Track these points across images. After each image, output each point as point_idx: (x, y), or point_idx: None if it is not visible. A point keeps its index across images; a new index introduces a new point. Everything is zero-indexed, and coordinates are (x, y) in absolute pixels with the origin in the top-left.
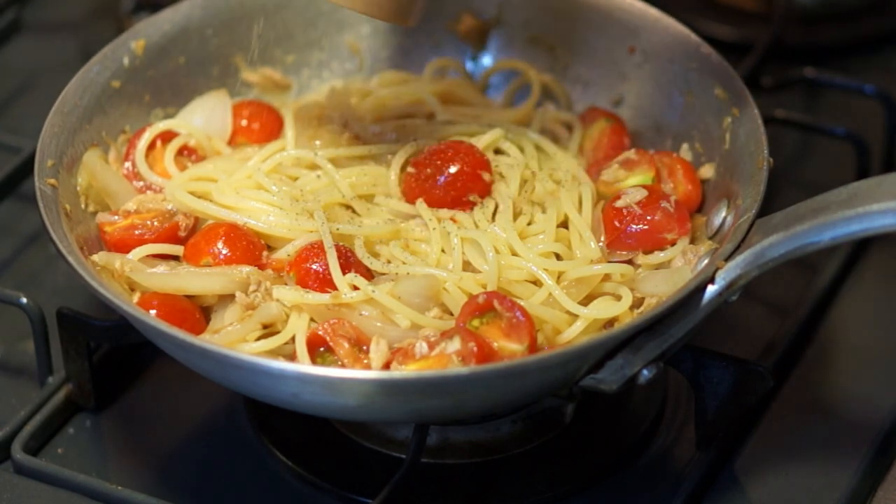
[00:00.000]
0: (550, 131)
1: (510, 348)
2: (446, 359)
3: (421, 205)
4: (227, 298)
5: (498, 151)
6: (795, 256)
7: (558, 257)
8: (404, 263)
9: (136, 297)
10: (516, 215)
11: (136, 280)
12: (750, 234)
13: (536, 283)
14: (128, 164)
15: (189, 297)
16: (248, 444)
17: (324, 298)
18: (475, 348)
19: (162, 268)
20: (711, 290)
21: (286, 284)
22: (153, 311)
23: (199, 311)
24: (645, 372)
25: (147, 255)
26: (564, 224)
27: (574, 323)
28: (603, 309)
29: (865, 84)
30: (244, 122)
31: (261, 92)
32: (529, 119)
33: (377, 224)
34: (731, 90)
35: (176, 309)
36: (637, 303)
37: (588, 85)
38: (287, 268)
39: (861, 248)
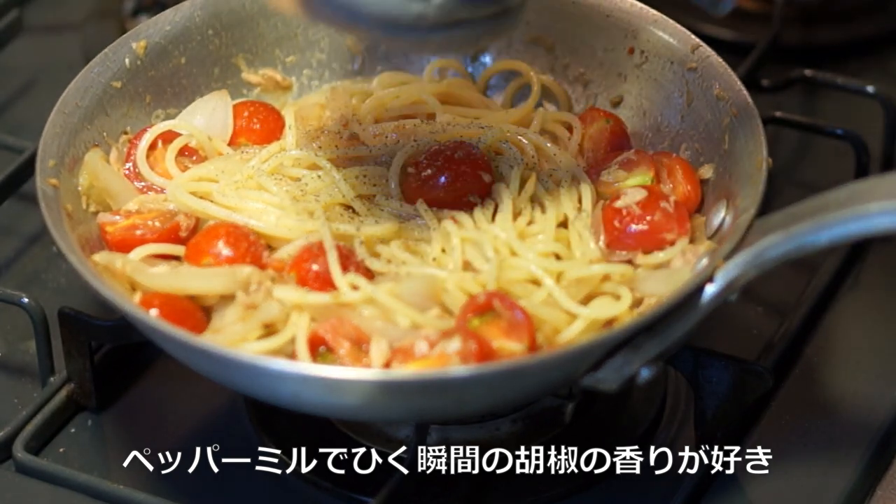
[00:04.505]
0: (550, 132)
1: (510, 348)
2: (446, 358)
3: (421, 205)
4: (228, 298)
5: (498, 152)
6: (794, 256)
7: (558, 257)
8: (404, 263)
9: (137, 297)
10: (516, 215)
11: (138, 280)
12: (749, 234)
13: (536, 282)
14: (129, 165)
15: (190, 296)
16: (248, 444)
17: (324, 298)
18: (475, 348)
19: (163, 268)
20: (710, 290)
21: (287, 284)
22: (154, 311)
23: (201, 311)
24: (644, 371)
25: (148, 255)
26: (564, 224)
27: (574, 323)
28: (602, 309)
29: (865, 84)
30: (245, 123)
31: (262, 92)
32: (529, 119)
33: (377, 224)
34: (730, 90)
35: (177, 309)
36: (636, 302)
37: (588, 85)
38: (287, 268)
39: (860, 248)
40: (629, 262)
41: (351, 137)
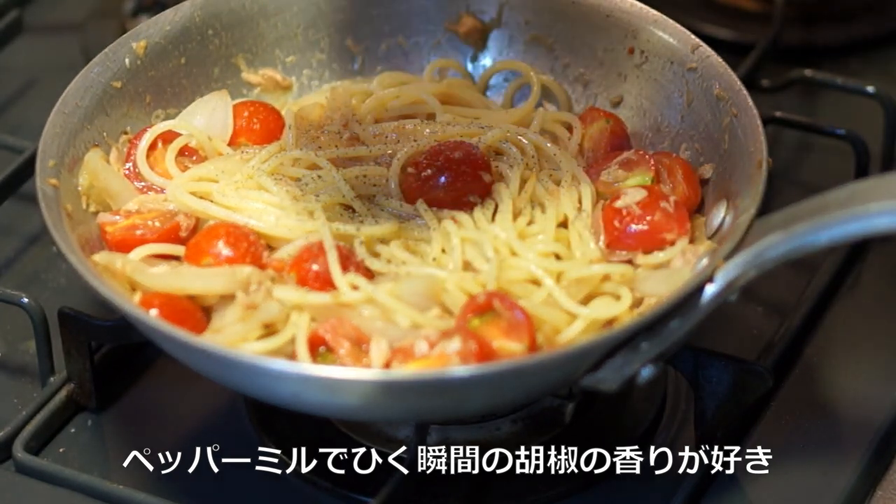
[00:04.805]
0: (550, 132)
1: (510, 347)
2: (446, 358)
3: (421, 205)
4: (228, 298)
5: (498, 152)
6: (794, 257)
7: (558, 257)
8: (404, 263)
9: (137, 297)
10: (516, 215)
11: (138, 280)
12: (749, 234)
13: (536, 282)
14: (129, 165)
15: (190, 297)
16: (248, 444)
17: (324, 298)
18: (475, 348)
19: (163, 268)
20: (710, 290)
21: (287, 284)
22: (154, 311)
23: (201, 311)
24: (644, 371)
25: (148, 255)
26: (564, 224)
27: (574, 323)
28: (602, 309)
29: (865, 84)
30: (245, 123)
31: (262, 92)
32: (529, 119)
33: (377, 224)
34: (730, 90)
35: (177, 309)
36: (637, 302)
37: (588, 85)
38: (287, 268)
39: (860, 248)
40: (629, 262)
41: (351, 137)
